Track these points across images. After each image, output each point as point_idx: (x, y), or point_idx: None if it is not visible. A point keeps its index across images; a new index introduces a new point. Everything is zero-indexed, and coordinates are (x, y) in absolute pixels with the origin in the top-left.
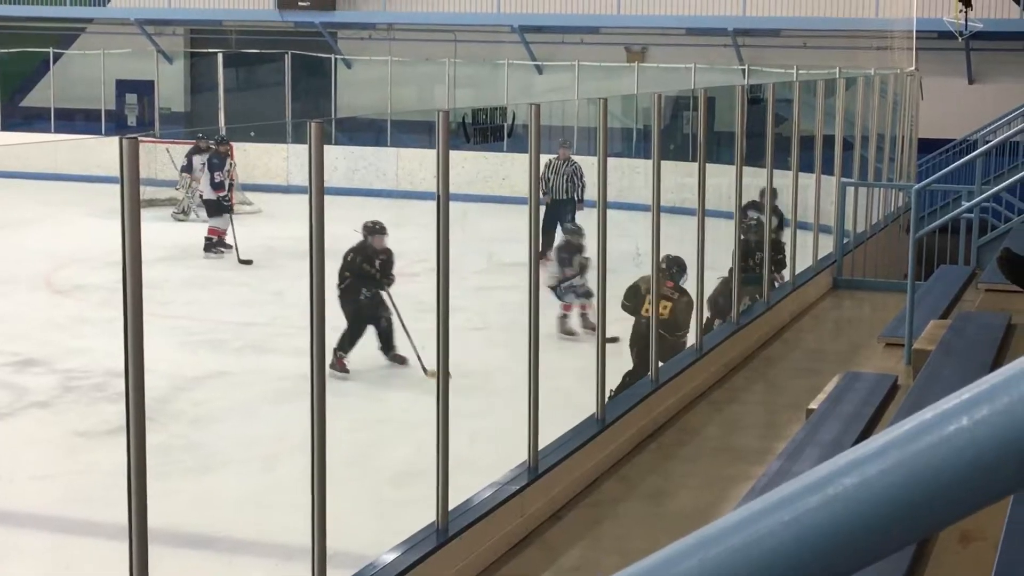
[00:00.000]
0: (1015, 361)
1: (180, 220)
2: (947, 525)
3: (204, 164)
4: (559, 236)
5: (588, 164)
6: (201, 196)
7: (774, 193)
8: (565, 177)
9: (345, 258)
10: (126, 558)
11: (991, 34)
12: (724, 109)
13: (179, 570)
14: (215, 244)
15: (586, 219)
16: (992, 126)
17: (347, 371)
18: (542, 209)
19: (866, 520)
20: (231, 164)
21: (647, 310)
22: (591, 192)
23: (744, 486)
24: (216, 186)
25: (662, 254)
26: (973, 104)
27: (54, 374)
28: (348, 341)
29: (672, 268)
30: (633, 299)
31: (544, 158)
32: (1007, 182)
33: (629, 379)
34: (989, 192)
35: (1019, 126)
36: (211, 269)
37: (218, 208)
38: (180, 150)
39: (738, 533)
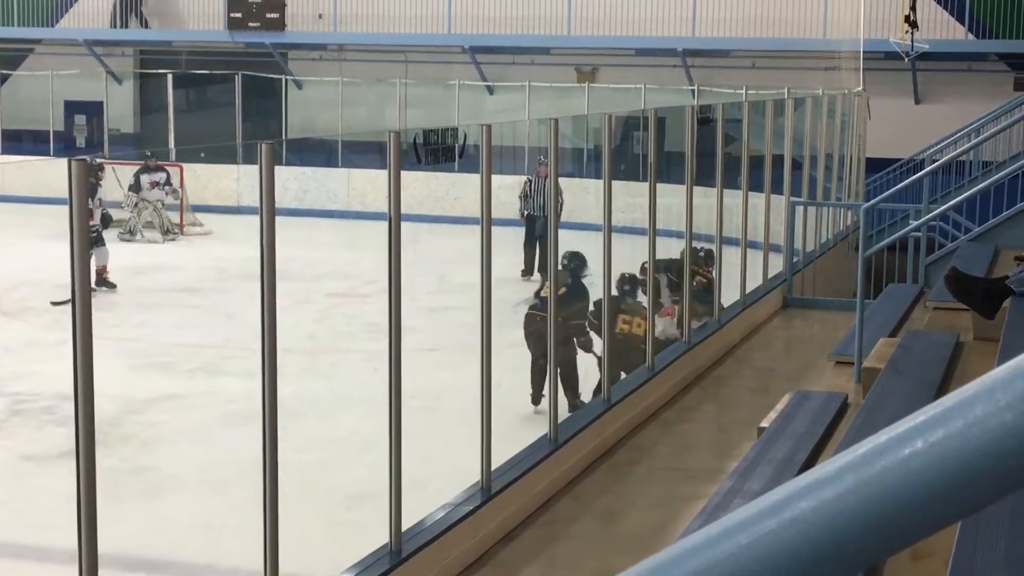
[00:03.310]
0: (969, 384)
1: (127, 240)
2: (903, 548)
3: (152, 183)
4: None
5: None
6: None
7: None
8: (544, 194)
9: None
10: None
11: (937, 55)
12: (674, 129)
13: None
14: (98, 282)
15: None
16: (939, 145)
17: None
18: (517, 230)
19: (822, 544)
20: (163, 202)
21: (621, 329)
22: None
23: (696, 505)
24: None
25: (615, 274)
26: (920, 124)
27: (2, 397)
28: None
29: (624, 286)
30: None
31: (507, 178)
32: (954, 201)
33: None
34: (936, 211)
35: (965, 145)
36: (161, 291)
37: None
38: (127, 171)
39: (694, 558)
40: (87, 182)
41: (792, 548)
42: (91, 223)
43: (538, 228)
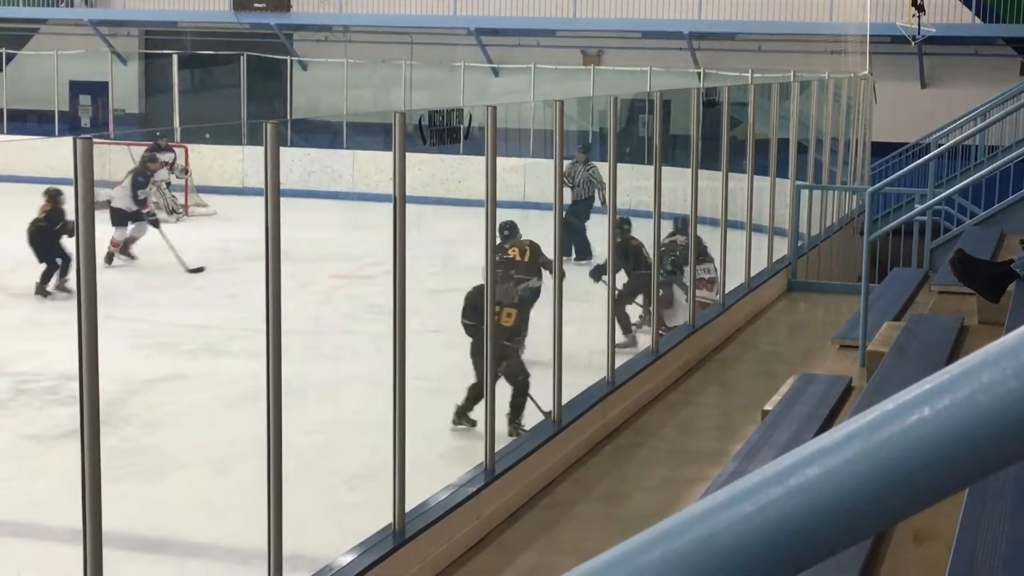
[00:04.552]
0: (976, 352)
1: None
2: (908, 515)
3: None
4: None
5: (544, 166)
6: (110, 202)
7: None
8: (582, 180)
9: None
10: (79, 562)
11: (943, 39)
12: (679, 112)
13: (133, 575)
14: (117, 252)
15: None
16: (944, 130)
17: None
18: (522, 212)
19: (829, 511)
20: (168, 183)
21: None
22: (546, 195)
23: (700, 487)
24: (139, 202)
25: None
26: (926, 108)
27: (5, 377)
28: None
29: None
30: (477, 316)
31: (512, 160)
32: (959, 185)
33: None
34: (942, 195)
35: (971, 130)
36: (165, 272)
37: (135, 218)
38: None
39: (700, 525)
40: (90, 162)
41: (798, 515)
42: (145, 209)
43: (581, 214)
